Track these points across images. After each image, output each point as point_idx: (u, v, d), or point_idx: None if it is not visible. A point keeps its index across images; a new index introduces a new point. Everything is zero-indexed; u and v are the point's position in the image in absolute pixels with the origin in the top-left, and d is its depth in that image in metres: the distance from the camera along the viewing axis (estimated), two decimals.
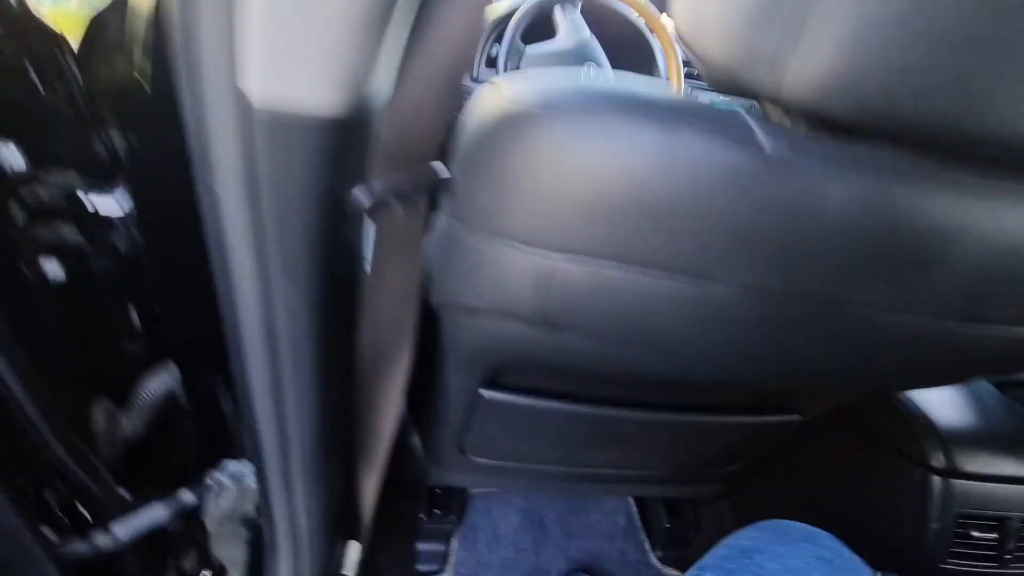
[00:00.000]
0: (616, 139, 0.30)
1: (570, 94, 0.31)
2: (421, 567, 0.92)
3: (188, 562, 0.60)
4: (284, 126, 0.29)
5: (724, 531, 0.47)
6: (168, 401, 0.51)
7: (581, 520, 1.05)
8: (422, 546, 0.93)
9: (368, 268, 0.43)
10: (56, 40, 0.44)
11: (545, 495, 1.07)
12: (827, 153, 0.32)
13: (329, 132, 0.30)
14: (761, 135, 0.30)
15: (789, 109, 0.33)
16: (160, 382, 0.50)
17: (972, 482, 0.63)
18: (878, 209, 0.32)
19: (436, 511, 0.96)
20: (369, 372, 0.52)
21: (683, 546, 1.01)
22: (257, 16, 0.27)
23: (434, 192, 0.40)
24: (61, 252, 0.41)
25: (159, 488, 0.53)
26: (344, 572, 0.64)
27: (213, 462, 0.56)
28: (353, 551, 0.66)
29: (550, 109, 0.31)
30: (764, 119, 0.32)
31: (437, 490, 0.99)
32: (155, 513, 0.50)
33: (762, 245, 0.33)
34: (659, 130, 0.29)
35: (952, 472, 0.62)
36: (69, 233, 0.40)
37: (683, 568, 0.45)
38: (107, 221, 0.41)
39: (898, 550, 0.66)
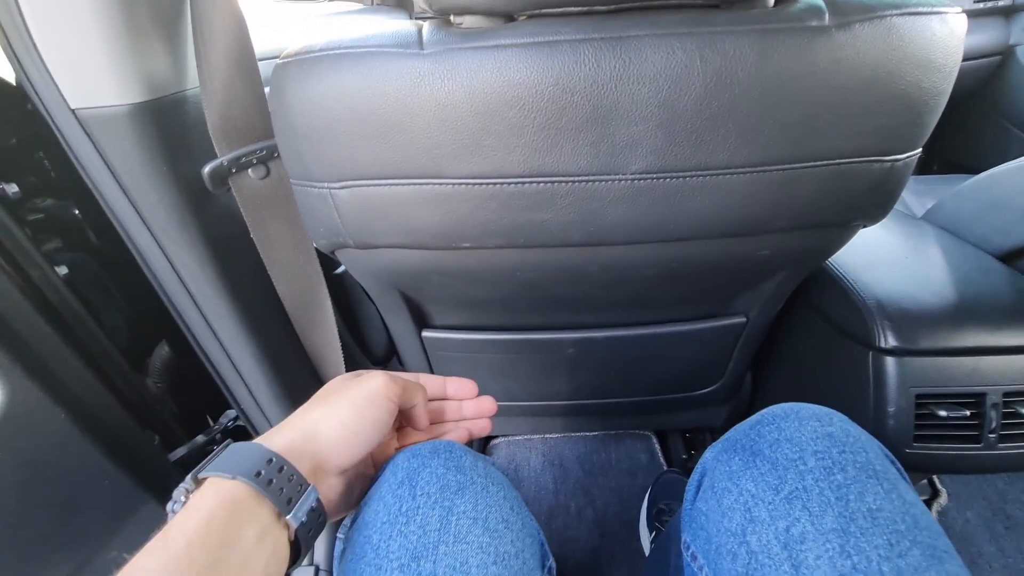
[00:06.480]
0: (328, 78, 0.36)
1: (306, 51, 0.38)
2: None
3: None
4: (102, 119, 0.40)
5: None
6: (170, 367, 0.66)
7: (601, 459, 1.08)
8: None
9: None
10: None
11: (565, 440, 1.12)
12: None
13: (139, 116, 0.40)
14: (424, 38, 0.36)
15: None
16: (159, 352, 0.66)
17: (932, 358, 0.58)
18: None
19: None
20: (301, 322, 0.63)
21: None
22: (56, 46, 0.38)
23: (271, 158, 0.49)
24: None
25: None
26: None
27: (216, 411, 0.71)
28: None
29: (292, 65, 0.38)
30: (437, 26, 0.37)
31: None
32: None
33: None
34: (353, 64, 0.35)
35: (903, 351, 0.58)
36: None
37: None
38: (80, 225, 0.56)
39: None
